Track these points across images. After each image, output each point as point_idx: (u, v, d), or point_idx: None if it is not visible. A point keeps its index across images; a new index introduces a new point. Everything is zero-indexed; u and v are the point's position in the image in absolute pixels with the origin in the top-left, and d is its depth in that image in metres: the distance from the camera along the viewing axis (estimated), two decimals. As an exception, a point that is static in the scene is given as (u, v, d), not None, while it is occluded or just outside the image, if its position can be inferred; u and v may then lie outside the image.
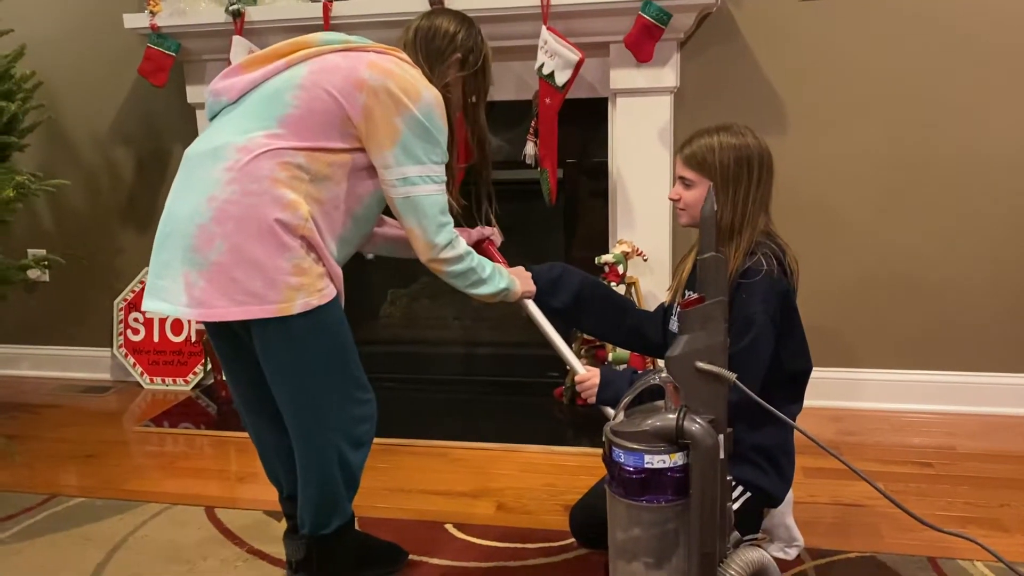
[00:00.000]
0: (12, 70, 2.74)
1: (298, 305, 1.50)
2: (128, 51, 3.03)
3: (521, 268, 1.87)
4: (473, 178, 1.93)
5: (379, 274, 3.14)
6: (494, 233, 1.98)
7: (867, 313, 2.78)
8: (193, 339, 3.23)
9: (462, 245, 1.67)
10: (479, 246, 1.91)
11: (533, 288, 1.84)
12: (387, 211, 1.70)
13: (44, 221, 3.37)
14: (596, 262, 2.67)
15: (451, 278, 1.68)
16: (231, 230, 1.47)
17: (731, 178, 1.63)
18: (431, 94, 1.60)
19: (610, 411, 1.66)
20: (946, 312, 2.73)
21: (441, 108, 1.61)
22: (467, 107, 1.80)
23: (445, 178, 1.64)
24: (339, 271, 1.60)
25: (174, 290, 1.51)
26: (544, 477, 2.37)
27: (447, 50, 1.72)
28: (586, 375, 1.73)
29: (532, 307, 1.85)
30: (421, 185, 1.58)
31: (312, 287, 1.51)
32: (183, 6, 2.82)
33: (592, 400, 1.71)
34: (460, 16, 1.79)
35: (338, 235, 1.60)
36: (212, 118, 1.66)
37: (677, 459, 1.27)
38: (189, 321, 3.17)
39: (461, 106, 1.79)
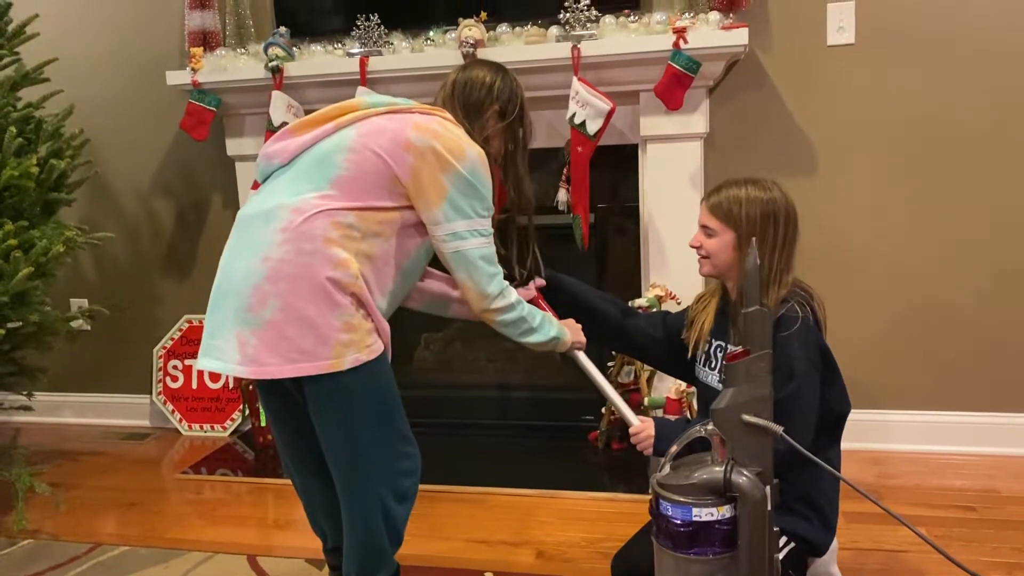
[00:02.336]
0: (62, 129, 2.84)
1: (348, 361, 1.53)
2: (170, 106, 3.13)
3: (571, 320, 1.90)
4: (509, 224, 1.92)
5: (413, 319, 3.14)
6: (538, 280, 1.97)
7: (903, 354, 2.77)
8: (231, 386, 3.28)
9: (513, 295, 1.71)
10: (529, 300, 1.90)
11: (583, 339, 1.87)
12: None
13: (85, 271, 3.46)
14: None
15: (503, 327, 1.72)
16: (284, 289, 1.51)
17: (757, 231, 1.64)
18: (475, 152, 1.65)
19: None
20: (983, 351, 2.71)
21: (485, 164, 1.66)
22: (507, 155, 1.84)
23: (492, 230, 1.69)
24: (387, 326, 1.63)
25: (228, 349, 1.55)
26: (583, 524, 2.37)
27: (485, 101, 1.77)
28: (640, 426, 1.72)
29: (582, 357, 1.87)
30: (470, 239, 1.63)
31: (361, 343, 1.54)
32: (223, 63, 2.92)
33: (649, 452, 1.71)
34: (495, 66, 1.84)
35: (388, 291, 1.63)
36: (263, 180, 1.71)
37: (725, 512, 1.28)
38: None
39: (501, 155, 1.83)
